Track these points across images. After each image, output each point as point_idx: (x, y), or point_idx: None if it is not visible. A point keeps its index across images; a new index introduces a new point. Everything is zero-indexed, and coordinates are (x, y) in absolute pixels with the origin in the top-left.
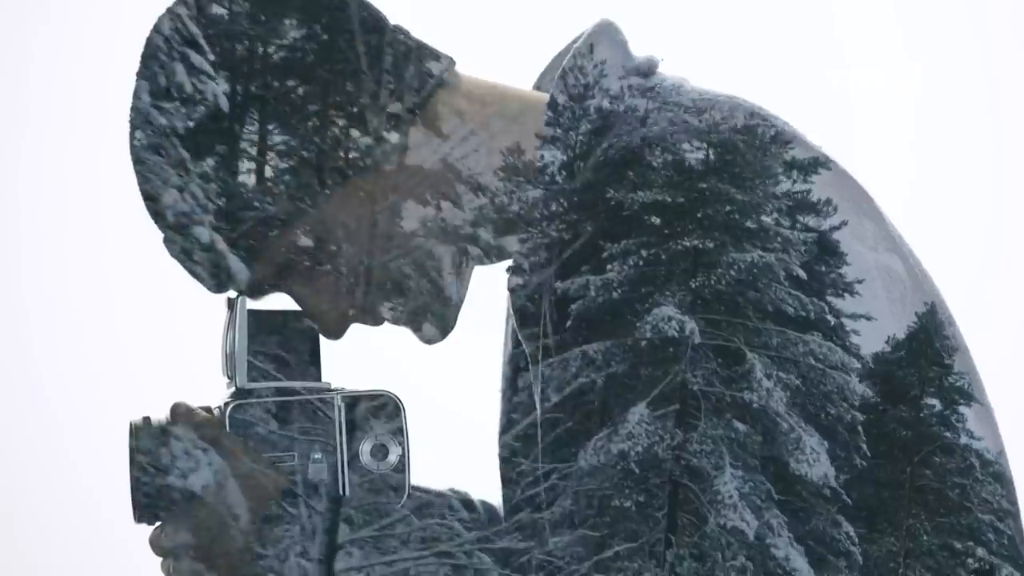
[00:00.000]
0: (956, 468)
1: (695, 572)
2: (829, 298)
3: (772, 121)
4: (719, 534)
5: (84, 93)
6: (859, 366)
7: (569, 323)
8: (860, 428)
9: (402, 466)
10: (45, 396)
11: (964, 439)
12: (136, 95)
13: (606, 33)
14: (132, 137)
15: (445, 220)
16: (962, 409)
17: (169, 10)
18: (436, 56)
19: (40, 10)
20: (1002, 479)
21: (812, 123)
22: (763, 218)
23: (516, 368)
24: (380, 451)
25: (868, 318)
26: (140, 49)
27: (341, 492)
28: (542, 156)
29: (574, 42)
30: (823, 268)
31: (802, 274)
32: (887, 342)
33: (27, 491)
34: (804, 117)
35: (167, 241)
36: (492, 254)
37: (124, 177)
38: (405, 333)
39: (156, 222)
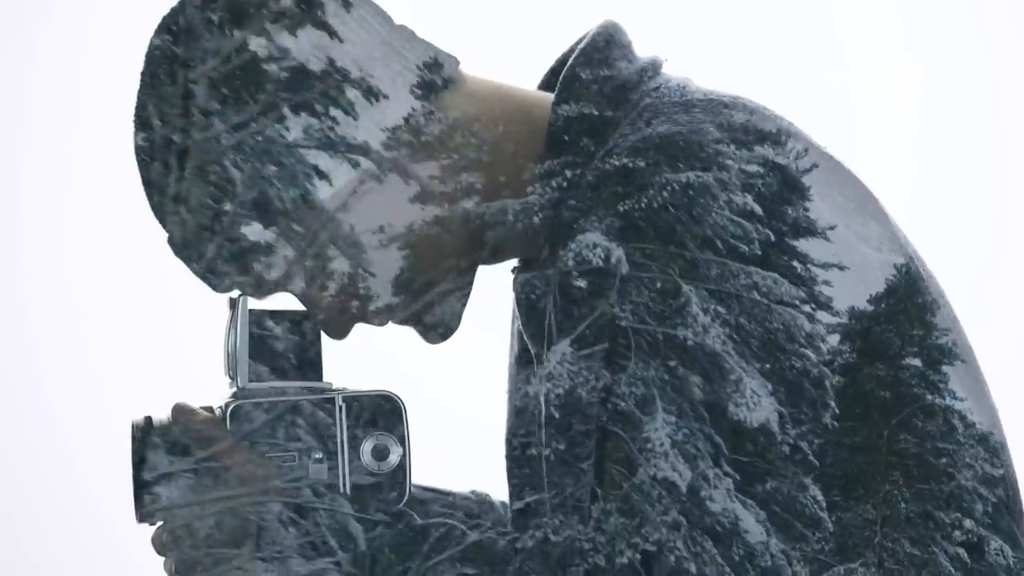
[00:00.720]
0: (937, 431)
1: (622, 528)
2: (792, 241)
3: (776, 121)
4: (649, 486)
5: (86, 92)
6: (803, 295)
7: (485, 254)
8: (828, 384)
9: (403, 466)
10: (46, 396)
11: (946, 400)
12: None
13: (610, 34)
14: (136, 136)
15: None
16: (945, 368)
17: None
18: (439, 55)
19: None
20: (986, 442)
21: (812, 123)
22: (705, 138)
23: (522, 368)
24: (381, 451)
25: (841, 267)
26: (141, 49)
27: (341, 492)
28: (545, 161)
29: (578, 42)
30: (785, 207)
31: (753, 206)
32: (866, 297)
33: (28, 491)
34: (804, 117)
35: (171, 242)
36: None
37: (126, 176)
38: (408, 333)
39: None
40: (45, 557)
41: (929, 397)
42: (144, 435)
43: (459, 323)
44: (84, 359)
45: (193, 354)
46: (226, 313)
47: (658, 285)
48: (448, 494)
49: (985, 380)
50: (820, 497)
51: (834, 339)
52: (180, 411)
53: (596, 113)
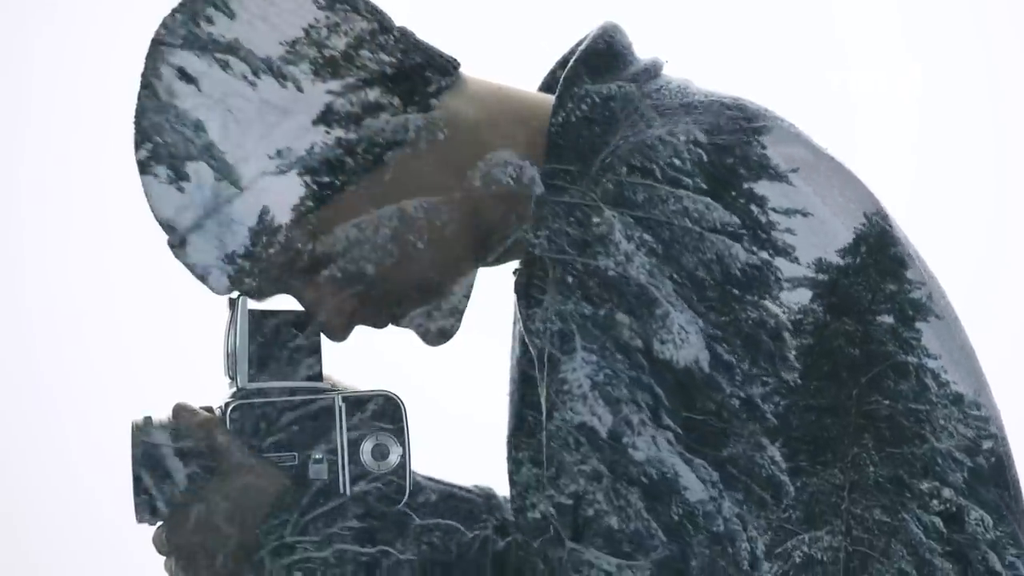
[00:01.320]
0: (910, 391)
1: (535, 480)
2: (749, 182)
3: (778, 123)
4: (566, 432)
5: (88, 94)
6: (738, 221)
7: (388, 176)
8: (787, 336)
9: (403, 466)
10: (47, 396)
11: (919, 359)
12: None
13: (610, 35)
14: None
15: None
16: (918, 325)
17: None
18: (442, 57)
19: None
20: (961, 402)
21: (812, 123)
22: (633, 54)
23: (524, 370)
24: (381, 451)
25: (804, 214)
26: (143, 50)
27: (341, 492)
28: (547, 164)
29: (578, 44)
30: (741, 138)
31: (699, 135)
32: (834, 248)
33: (29, 491)
34: (804, 117)
35: (171, 244)
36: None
37: (127, 176)
38: (407, 334)
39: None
40: (45, 557)
41: (901, 355)
42: (144, 435)
43: (459, 325)
44: (85, 359)
45: (193, 354)
46: (226, 313)
47: (577, 209)
48: (453, 487)
49: (969, 341)
50: (779, 458)
51: (803, 295)
52: (180, 411)
53: (597, 115)
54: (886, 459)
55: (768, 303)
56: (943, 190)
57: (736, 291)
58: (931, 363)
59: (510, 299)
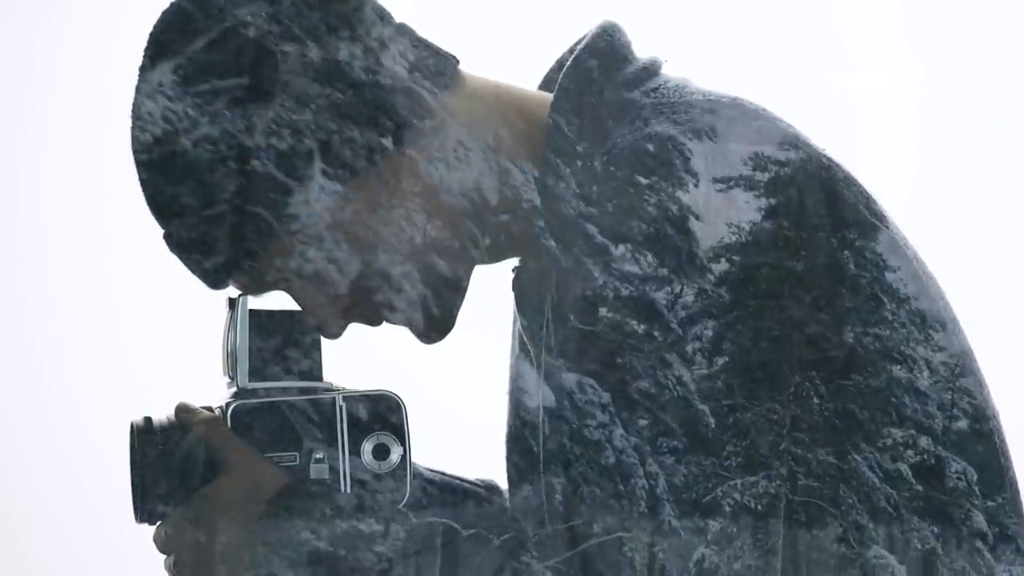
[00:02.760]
0: (863, 309)
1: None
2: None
3: (776, 123)
4: None
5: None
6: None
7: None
8: (694, 230)
9: (403, 466)
10: (47, 396)
11: (874, 272)
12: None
13: (609, 34)
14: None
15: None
16: (879, 236)
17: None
18: (441, 55)
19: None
20: (923, 320)
21: (812, 124)
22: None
23: (523, 368)
24: (381, 451)
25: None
26: (140, 47)
27: (342, 492)
28: (545, 159)
29: (578, 43)
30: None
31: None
32: (775, 142)
33: (29, 491)
34: (804, 118)
35: (167, 236)
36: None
37: (126, 176)
38: (406, 333)
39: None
40: (45, 557)
41: (853, 268)
42: (143, 435)
43: (454, 324)
44: (85, 359)
45: (193, 354)
46: (226, 313)
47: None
48: (455, 479)
49: (916, 251)
50: (690, 380)
51: (736, 196)
52: (180, 411)
53: (595, 114)
54: (835, 391)
55: (674, 190)
56: (944, 190)
57: (643, 179)
58: (888, 276)
59: (509, 298)
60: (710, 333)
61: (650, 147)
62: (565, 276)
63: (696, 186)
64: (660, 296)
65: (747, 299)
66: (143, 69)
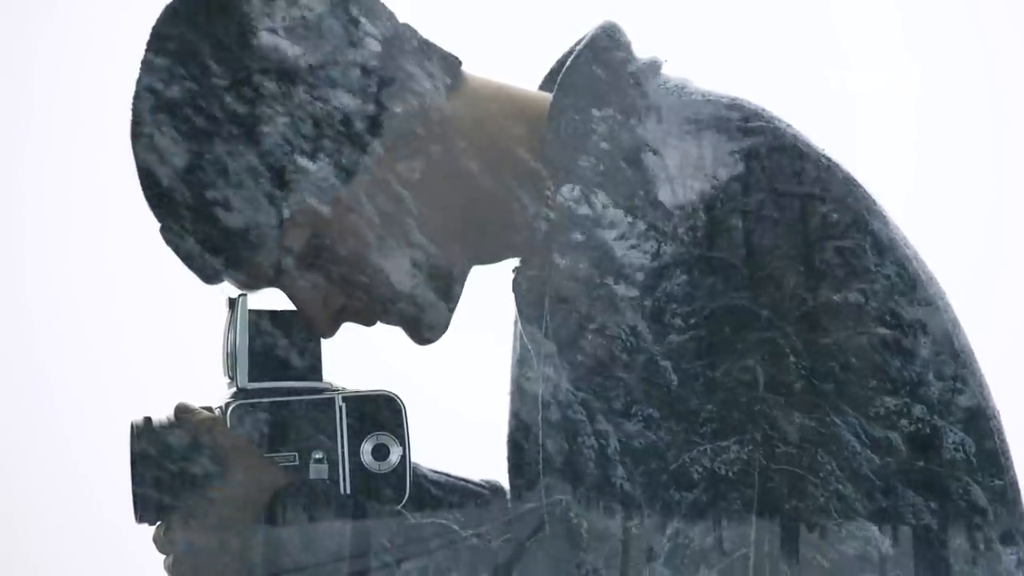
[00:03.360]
0: (839, 258)
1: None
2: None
3: (775, 124)
4: None
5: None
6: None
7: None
8: (654, 162)
9: (403, 466)
10: (47, 396)
11: (856, 237)
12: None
13: (609, 34)
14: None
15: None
16: (857, 180)
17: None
18: (444, 56)
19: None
20: (903, 269)
21: (812, 123)
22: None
23: (524, 369)
24: (381, 451)
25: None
26: (141, 46)
27: (342, 492)
28: (546, 159)
29: (578, 43)
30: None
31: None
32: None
33: (29, 491)
34: (804, 117)
35: (163, 229)
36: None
37: (126, 175)
38: (403, 333)
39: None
40: (45, 557)
41: (822, 207)
42: (143, 436)
43: (448, 325)
44: (85, 359)
45: (193, 354)
46: (225, 313)
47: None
48: (459, 480)
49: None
50: (646, 331)
51: (713, 139)
52: (180, 411)
53: (595, 114)
54: (810, 348)
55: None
56: (942, 190)
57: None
58: (875, 224)
59: (509, 298)
60: (681, 287)
61: (650, 146)
62: (565, 277)
63: (694, 181)
64: (607, 234)
65: (712, 248)
66: (144, 62)
